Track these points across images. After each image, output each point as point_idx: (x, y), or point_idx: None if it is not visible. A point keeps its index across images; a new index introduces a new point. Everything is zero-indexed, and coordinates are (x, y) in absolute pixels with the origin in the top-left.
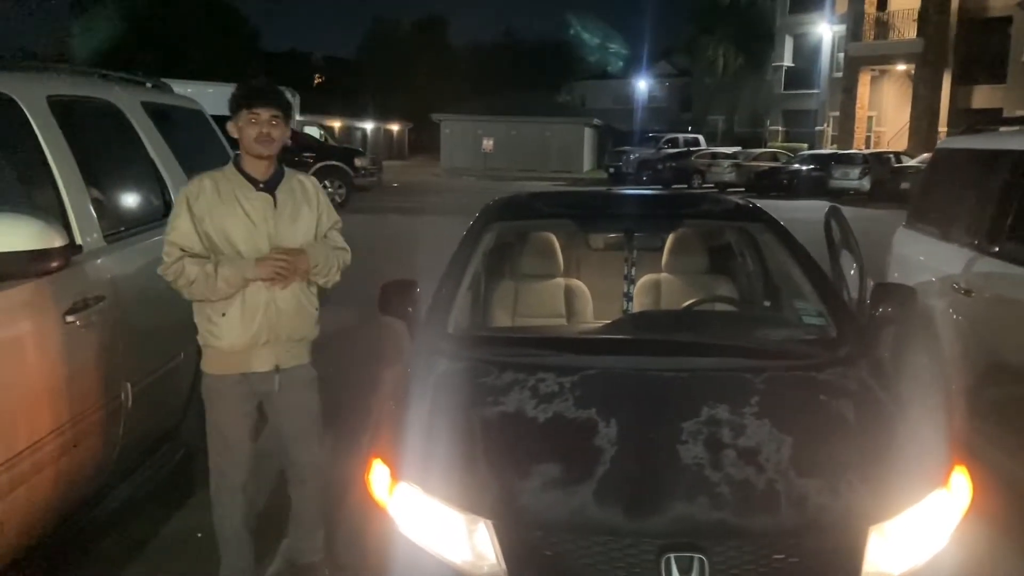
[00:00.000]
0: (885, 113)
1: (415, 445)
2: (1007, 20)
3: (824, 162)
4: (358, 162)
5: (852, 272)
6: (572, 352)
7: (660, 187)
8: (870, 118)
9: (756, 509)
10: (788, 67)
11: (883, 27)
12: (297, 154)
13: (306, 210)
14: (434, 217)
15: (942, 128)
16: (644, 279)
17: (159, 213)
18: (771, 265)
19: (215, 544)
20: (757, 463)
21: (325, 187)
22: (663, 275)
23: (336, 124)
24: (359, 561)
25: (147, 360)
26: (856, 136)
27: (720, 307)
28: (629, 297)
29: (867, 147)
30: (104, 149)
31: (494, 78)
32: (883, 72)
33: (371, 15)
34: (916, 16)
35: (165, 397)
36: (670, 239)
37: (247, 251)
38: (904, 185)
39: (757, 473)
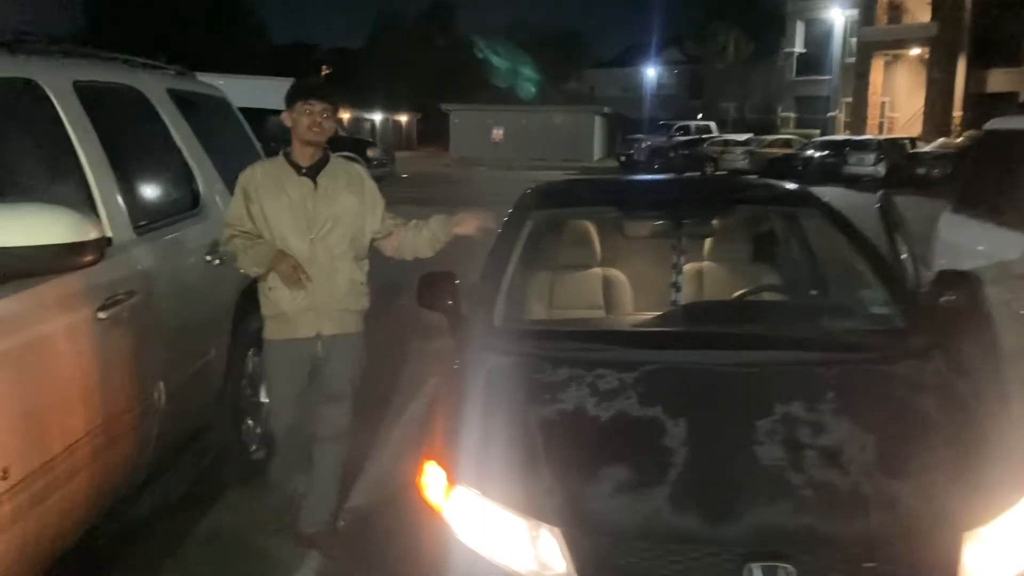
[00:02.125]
0: (898, 98)
1: (471, 446)
2: (1023, 2)
3: (838, 148)
4: (370, 153)
5: (903, 258)
6: (630, 346)
7: (694, 173)
8: (883, 104)
9: (844, 514)
10: (799, 53)
11: (896, 11)
12: None
13: (347, 195)
14: (449, 207)
15: (956, 112)
16: (686, 268)
17: (188, 204)
18: (822, 252)
19: (247, 544)
20: (840, 464)
21: None
22: (706, 263)
23: (345, 115)
24: (413, 569)
25: (180, 357)
26: (869, 122)
27: (770, 296)
28: (678, 287)
29: (880, 133)
30: (131, 138)
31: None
32: (896, 57)
33: (378, 6)
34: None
35: (198, 395)
36: (713, 226)
37: (288, 228)
38: (920, 170)
39: (842, 475)
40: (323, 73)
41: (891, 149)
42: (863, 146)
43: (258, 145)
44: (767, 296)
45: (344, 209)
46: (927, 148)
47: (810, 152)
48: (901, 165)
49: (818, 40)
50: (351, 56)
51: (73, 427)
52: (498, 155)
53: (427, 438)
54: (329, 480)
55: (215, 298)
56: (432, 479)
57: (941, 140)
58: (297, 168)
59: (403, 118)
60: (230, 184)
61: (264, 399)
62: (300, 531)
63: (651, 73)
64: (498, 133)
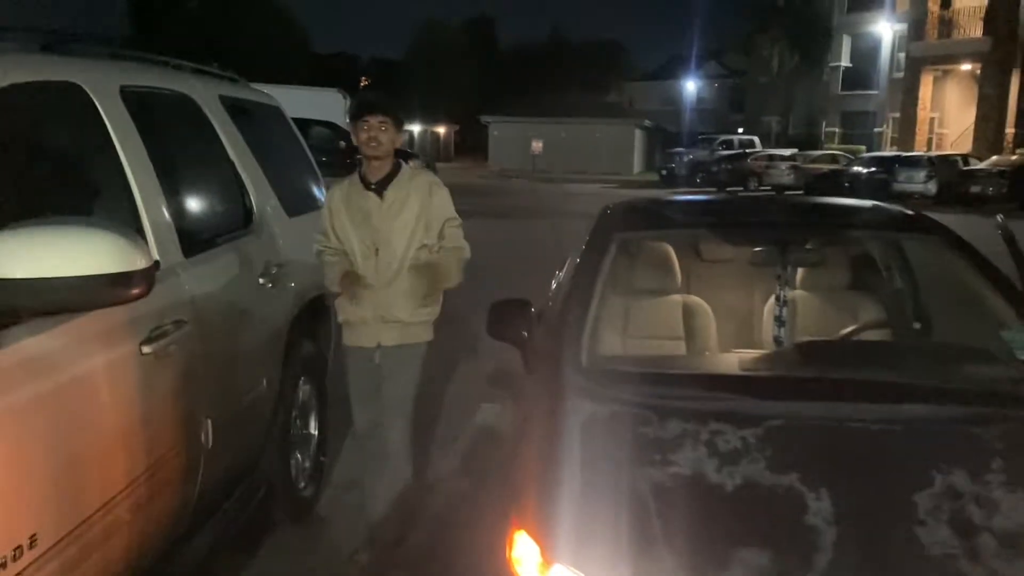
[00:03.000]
0: (948, 114)
1: (570, 516)
2: None
3: (887, 164)
4: (412, 164)
5: None
6: (746, 395)
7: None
8: (932, 119)
9: None
10: (846, 67)
11: (946, 25)
12: (351, 155)
13: (411, 206)
14: (494, 220)
15: (1009, 129)
16: (773, 298)
17: (241, 221)
18: (940, 284)
19: None
20: None
21: None
22: (798, 292)
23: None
24: None
25: (230, 392)
26: (917, 138)
27: (884, 334)
28: (782, 322)
29: (928, 149)
30: (181, 149)
31: (541, 79)
32: (946, 72)
33: (420, 17)
34: (982, 14)
35: (247, 432)
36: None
37: (357, 244)
38: (974, 188)
39: None
40: (362, 84)
41: (943, 166)
42: (914, 163)
43: (310, 155)
44: (882, 334)
45: (405, 221)
46: (980, 165)
47: (857, 168)
48: (953, 183)
49: (865, 54)
50: (391, 66)
51: (111, 480)
52: (537, 167)
53: (515, 502)
54: (383, 500)
55: (268, 325)
56: (524, 554)
57: (995, 157)
58: (366, 183)
59: (441, 129)
60: (284, 200)
61: (314, 431)
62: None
63: (691, 86)
64: (537, 145)
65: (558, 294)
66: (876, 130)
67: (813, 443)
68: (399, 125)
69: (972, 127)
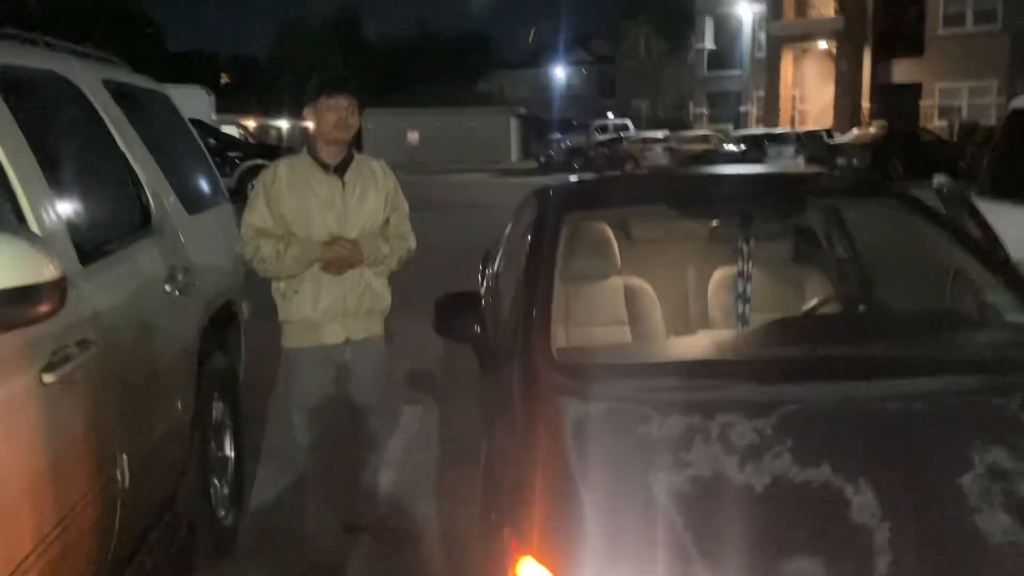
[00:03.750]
0: (808, 91)
1: (584, 535)
2: None
3: (757, 142)
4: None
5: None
6: (749, 381)
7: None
8: (794, 96)
9: None
10: (710, 49)
11: (802, 4)
12: (221, 153)
13: (373, 193)
14: None
15: (865, 104)
16: (718, 275)
17: (138, 221)
18: (899, 249)
19: None
20: None
21: (252, 187)
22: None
23: (251, 123)
24: None
25: (144, 420)
26: (781, 115)
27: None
28: (747, 299)
29: (792, 126)
30: (64, 139)
31: (412, 71)
32: (805, 50)
33: (279, 13)
34: None
35: (165, 462)
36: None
37: (317, 230)
38: (840, 161)
39: None
40: (223, 82)
41: (809, 141)
42: (782, 139)
43: (203, 146)
44: (839, 307)
45: (372, 207)
46: (843, 139)
47: (730, 147)
48: (822, 156)
49: (727, 35)
50: (253, 64)
51: (15, 545)
52: (415, 159)
53: (512, 522)
54: (373, 470)
55: (178, 338)
56: None
57: (855, 131)
58: (324, 166)
59: (310, 124)
60: (183, 196)
61: (230, 453)
62: (349, 521)
63: (560, 73)
64: (413, 136)
65: (503, 284)
66: (742, 109)
67: (835, 429)
68: (359, 109)
69: (832, 103)
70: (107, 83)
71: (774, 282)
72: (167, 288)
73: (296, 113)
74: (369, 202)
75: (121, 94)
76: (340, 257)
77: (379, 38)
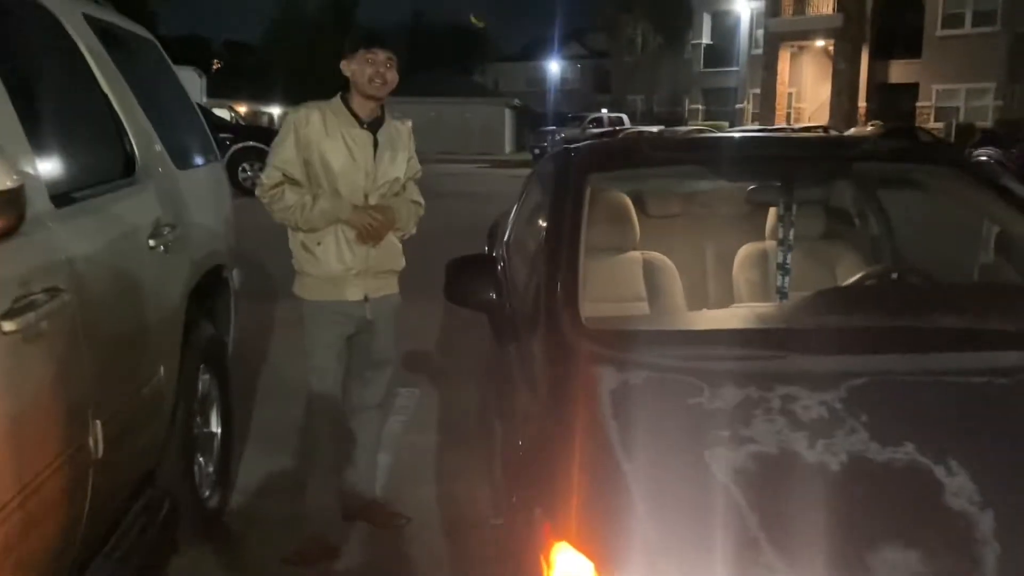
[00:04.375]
0: (805, 89)
1: (630, 519)
2: None
3: None
4: None
5: None
6: (806, 351)
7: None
8: (790, 94)
9: None
10: (707, 45)
11: (801, 2)
12: (213, 134)
13: (402, 154)
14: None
15: (862, 103)
16: (744, 250)
17: (120, 169)
18: (953, 221)
19: None
20: None
21: (244, 169)
22: (768, 243)
23: (242, 108)
24: None
25: (122, 384)
26: (777, 113)
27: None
28: (786, 270)
29: (788, 123)
30: (41, 72)
31: (407, 60)
32: (802, 48)
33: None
34: None
35: (144, 433)
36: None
37: (345, 184)
38: None
39: None
40: (215, 67)
41: None
42: None
43: (192, 100)
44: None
45: (397, 169)
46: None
47: None
48: None
49: (725, 32)
50: (247, 50)
51: None
52: None
53: (546, 504)
54: (373, 449)
55: (163, 299)
56: (571, 571)
57: (853, 130)
58: (359, 120)
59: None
60: (171, 149)
61: (216, 429)
62: (347, 504)
63: (555, 67)
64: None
65: (517, 251)
66: (738, 106)
67: (913, 403)
68: (398, 64)
69: (828, 101)
70: (90, 19)
71: (806, 259)
72: (151, 243)
73: (289, 100)
74: (397, 164)
75: (105, 34)
76: (365, 226)
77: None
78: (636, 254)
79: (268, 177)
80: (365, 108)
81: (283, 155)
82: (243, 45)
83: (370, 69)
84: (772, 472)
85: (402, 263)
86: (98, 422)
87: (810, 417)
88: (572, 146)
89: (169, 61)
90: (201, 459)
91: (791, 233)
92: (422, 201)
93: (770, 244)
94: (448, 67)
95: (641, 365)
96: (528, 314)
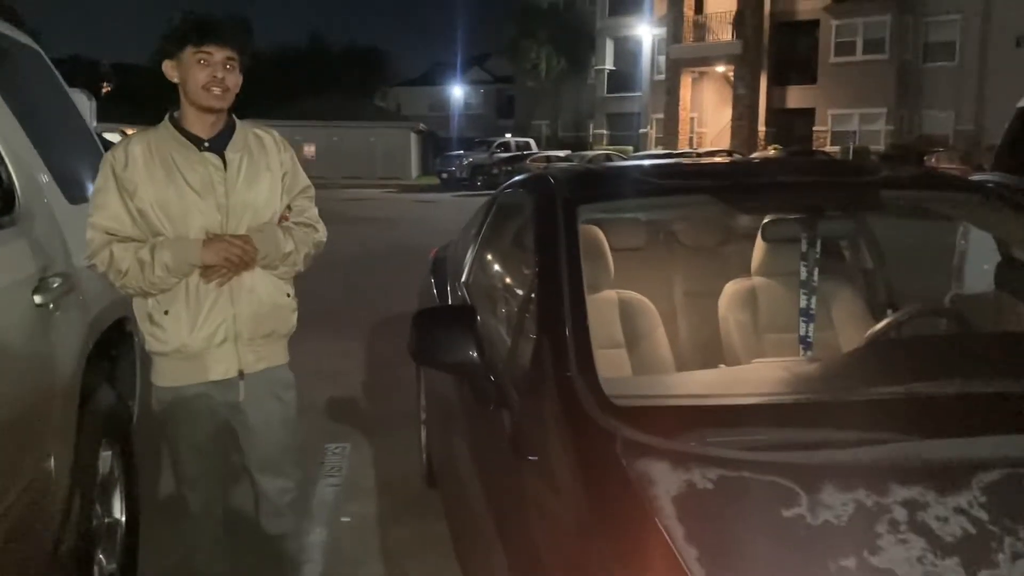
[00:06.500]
0: (706, 114)
1: None
2: (815, 23)
3: None
4: None
5: None
6: (908, 431)
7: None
8: (692, 119)
9: None
10: (610, 70)
11: (701, 29)
12: None
13: (266, 172)
14: None
15: (761, 127)
16: (731, 288)
17: None
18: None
19: None
20: None
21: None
22: (756, 279)
23: (133, 132)
24: None
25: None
26: (680, 137)
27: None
28: (810, 316)
29: (691, 147)
30: None
31: (304, 83)
32: (702, 74)
33: (162, 17)
34: (731, 19)
35: (29, 535)
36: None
37: (196, 227)
38: None
39: None
40: (104, 91)
41: None
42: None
43: (89, 126)
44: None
45: (266, 192)
46: None
47: None
48: None
49: (628, 57)
50: (136, 71)
51: None
52: (311, 173)
53: None
54: (294, 552)
55: (52, 368)
56: None
57: (756, 153)
58: (196, 142)
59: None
60: (61, 180)
61: (120, 515)
62: None
63: (458, 92)
64: (310, 150)
65: (489, 297)
66: (641, 131)
67: None
68: (244, 65)
69: (729, 125)
70: None
71: (795, 295)
72: (36, 299)
73: None
74: (261, 185)
75: None
76: (225, 260)
77: (270, 50)
78: (611, 293)
79: (90, 240)
80: (203, 124)
81: (104, 208)
82: (132, 67)
83: (203, 73)
84: None
85: (290, 324)
86: None
87: (953, 534)
88: (551, 173)
89: (58, 75)
90: (102, 556)
91: (815, 273)
92: (318, 223)
93: (758, 280)
94: (347, 90)
95: (704, 460)
96: (528, 384)
